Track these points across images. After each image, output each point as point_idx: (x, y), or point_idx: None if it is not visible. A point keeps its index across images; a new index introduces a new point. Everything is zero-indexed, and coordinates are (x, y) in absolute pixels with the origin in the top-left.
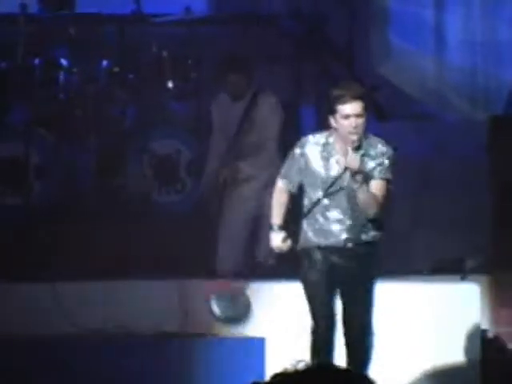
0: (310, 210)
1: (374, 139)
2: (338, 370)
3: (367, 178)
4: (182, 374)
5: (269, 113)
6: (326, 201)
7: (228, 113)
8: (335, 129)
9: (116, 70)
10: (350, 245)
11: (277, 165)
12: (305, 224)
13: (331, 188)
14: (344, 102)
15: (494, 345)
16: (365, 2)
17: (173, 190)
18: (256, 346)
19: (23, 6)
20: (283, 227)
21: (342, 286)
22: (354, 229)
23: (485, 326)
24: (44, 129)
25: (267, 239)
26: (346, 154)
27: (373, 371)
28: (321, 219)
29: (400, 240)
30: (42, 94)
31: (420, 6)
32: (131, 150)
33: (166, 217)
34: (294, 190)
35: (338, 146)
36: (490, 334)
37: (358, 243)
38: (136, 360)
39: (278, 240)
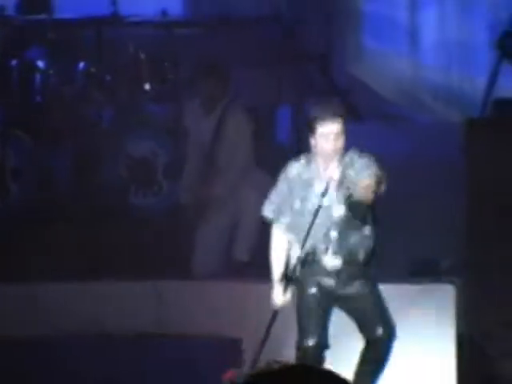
0: (303, 247)
1: (353, 154)
2: (316, 369)
3: (353, 186)
4: (159, 373)
5: (236, 131)
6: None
7: (200, 126)
8: (315, 147)
9: (93, 71)
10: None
11: (249, 175)
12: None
13: (319, 215)
14: (323, 123)
15: (469, 346)
16: (339, 4)
17: (149, 193)
18: (233, 346)
19: (1, 9)
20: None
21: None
22: (348, 268)
23: (460, 327)
24: (20, 130)
25: (243, 238)
26: (327, 169)
27: (348, 372)
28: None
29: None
30: (18, 96)
31: (394, 7)
32: (108, 152)
33: (142, 219)
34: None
35: (319, 166)
36: (466, 336)
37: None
38: (113, 360)
39: (279, 297)
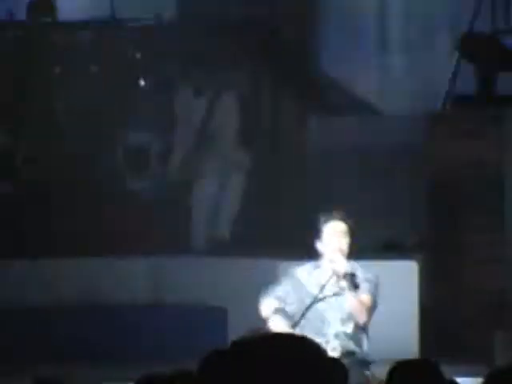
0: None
1: (356, 265)
2: (293, 336)
3: (354, 281)
4: (152, 341)
5: (227, 112)
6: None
7: (191, 108)
8: (322, 254)
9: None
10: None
11: (236, 158)
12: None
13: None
14: (329, 223)
15: (431, 319)
16: (315, 4)
17: (144, 177)
18: (219, 316)
19: (11, 13)
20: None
21: None
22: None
23: (422, 301)
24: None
25: (226, 216)
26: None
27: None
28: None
29: None
30: None
31: (362, 7)
32: (106, 140)
33: (138, 202)
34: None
35: (327, 269)
36: (428, 309)
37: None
38: (110, 329)
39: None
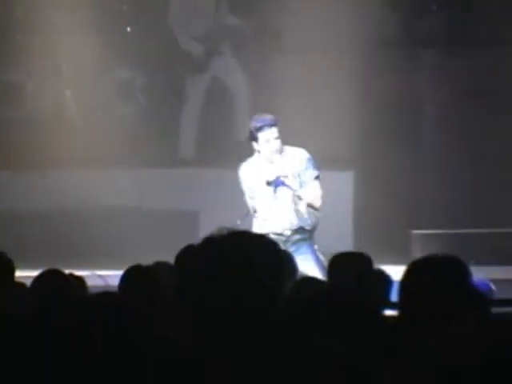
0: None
1: (289, 149)
2: (255, 235)
3: (300, 177)
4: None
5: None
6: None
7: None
8: (259, 151)
9: None
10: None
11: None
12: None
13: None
14: (263, 131)
15: (364, 217)
16: None
17: (130, 105)
18: (191, 218)
19: None
20: None
21: None
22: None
23: (357, 204)
24: None
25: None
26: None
27: None
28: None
29: None
30: None
31: None
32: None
33: (126, 125)
34: None
35: (265, 163)
36: (361, 210)
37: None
38: (101, 229)
39: None
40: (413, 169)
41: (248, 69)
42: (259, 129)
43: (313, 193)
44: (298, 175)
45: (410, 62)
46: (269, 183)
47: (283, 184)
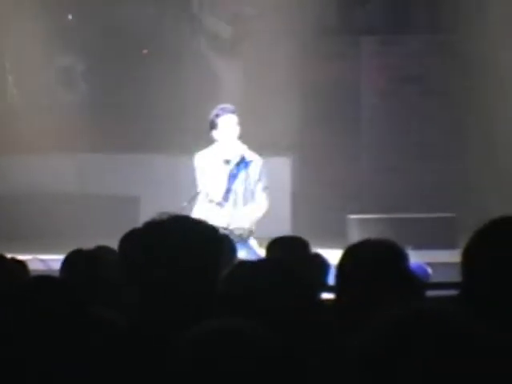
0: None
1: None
2: (194, 220)
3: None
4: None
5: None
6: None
7: None
8: (217, 140)
9: None
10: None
11: None
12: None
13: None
14: (223, 115)
15: (302, 202)
16: None
17: (72, 91)
18: (132, 203)
19: None
20: None
21: None
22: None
23: (295, 189)
24: None
25: None
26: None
27: None
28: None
29: None
30: None
31: None
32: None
33: (67, 111)
34: None
35: (222, 151)
36: (298, 195)
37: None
38: (45, 214)
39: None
40: (350, 154)
41: (193, 56)
42: (218, 115)
43: (259, 208)
44: (249, 178)
45: (348, 49)
46: (227, 162)
47: (245, 165)
